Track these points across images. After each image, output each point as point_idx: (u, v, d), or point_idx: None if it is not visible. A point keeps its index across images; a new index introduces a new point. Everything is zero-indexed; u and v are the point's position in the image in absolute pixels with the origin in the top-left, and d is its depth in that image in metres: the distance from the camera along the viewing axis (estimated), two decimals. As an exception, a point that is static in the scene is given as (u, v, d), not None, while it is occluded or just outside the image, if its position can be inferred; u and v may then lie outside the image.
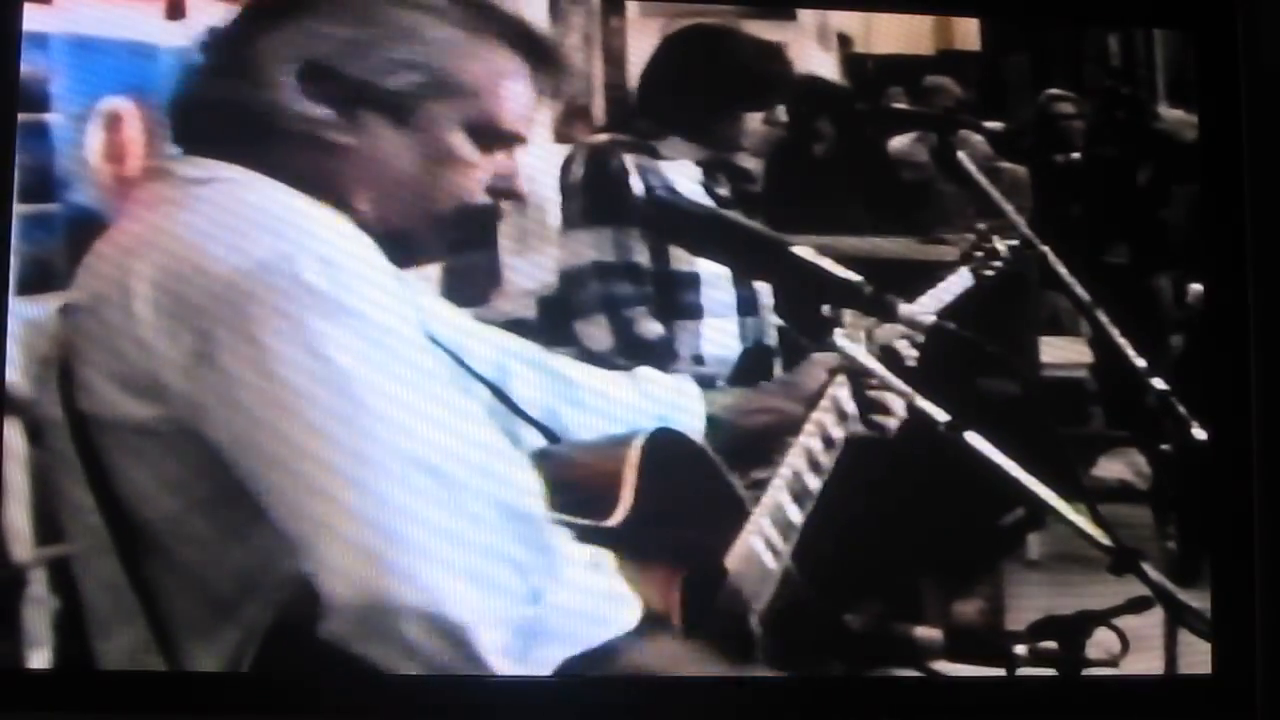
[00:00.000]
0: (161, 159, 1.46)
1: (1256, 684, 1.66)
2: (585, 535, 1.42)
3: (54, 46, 1.55)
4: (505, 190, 1.50)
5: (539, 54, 1.50)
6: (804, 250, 1.50)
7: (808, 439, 1.59)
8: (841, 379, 1.63)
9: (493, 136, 1.47)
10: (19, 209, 1.54)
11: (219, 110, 1.42)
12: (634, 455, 1.48)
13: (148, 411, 1.32)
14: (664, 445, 1.51)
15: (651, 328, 1.73)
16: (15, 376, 1.48)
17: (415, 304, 1.44)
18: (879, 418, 1.64)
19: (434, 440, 1.32)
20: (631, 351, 1.71)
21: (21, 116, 1.54)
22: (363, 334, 1.31)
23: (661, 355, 1.72)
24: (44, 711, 1.51)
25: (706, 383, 1.69)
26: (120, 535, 1.36)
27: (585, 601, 1.38)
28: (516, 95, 1.48)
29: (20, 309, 1.51)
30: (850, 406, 1.63)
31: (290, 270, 1.30)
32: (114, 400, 1.33)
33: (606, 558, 1.42)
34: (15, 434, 1.48)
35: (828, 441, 1.60)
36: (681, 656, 1.48)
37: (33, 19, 1.55)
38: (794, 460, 1.57)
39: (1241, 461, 1.69)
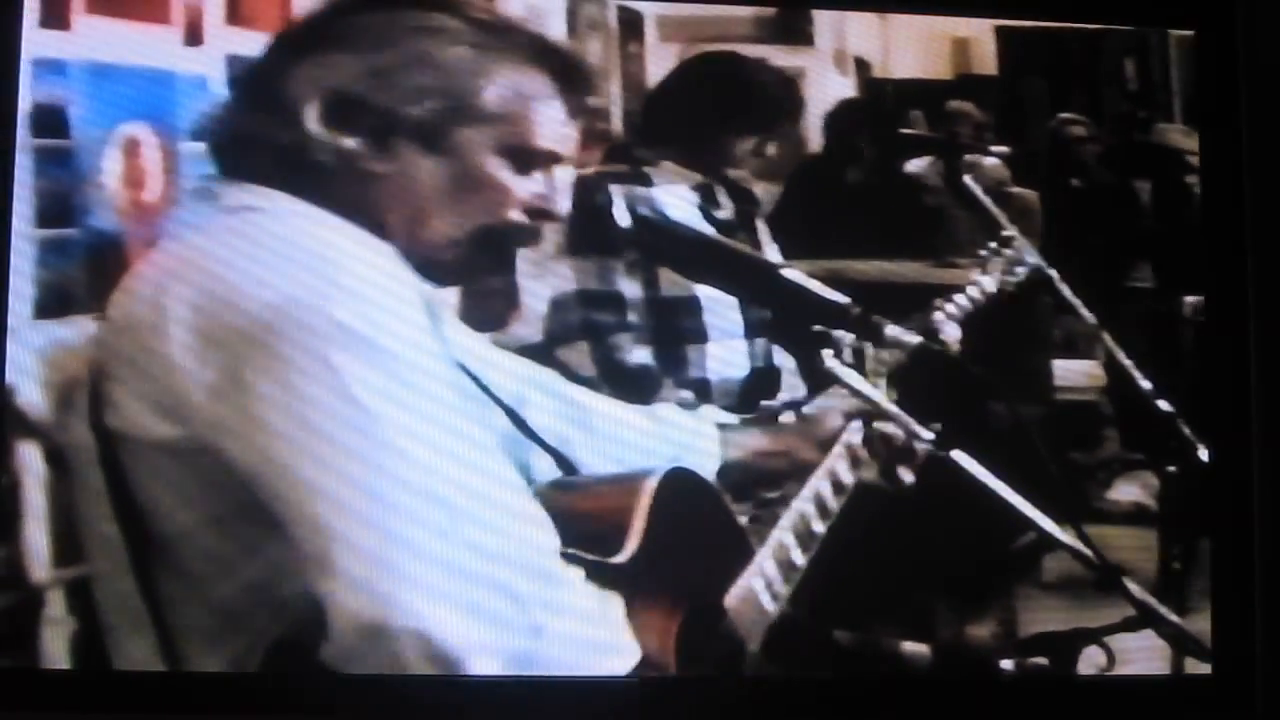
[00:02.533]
0: (205, 182, 1.47)
1: (1256, 684, 1.66)
2: (593, 571, 1.42)
3: (72, 72, 1.56)
4: (542, 211, 1.50)
5: (566, 72, 1.50)
6: (793, 273, 1.51)
7: (819, 482, 1.60)
8: (857, 424, 1.64)
9: (529, 158, 1.48)
10: (40, 234, 1.55)
11: (254, 144, 1.43)
12: (646, 493, 1.48)
13: (171, 431, 1.33)
14: (677, 485, 1.51)
15: (634, 355, 1.73)
16: (35, 399, 1.49)
17: (443, 334, 1.46)
18: (900, 469, 1.64)
19: (448, 475, 1.34)
20: (614, 379, 1.70)
21: (40, 142, 1.55)
22: (389, 371, 1.32)
23: (645, 383, 1.72)
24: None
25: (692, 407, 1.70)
26: (135, 548, 1.37)
27: (583, 634, 1.40)
28: (548, 115, 1.49)
29: (41, 331, 1.52)
30: (864, 453, 1.63)
31: (321, 307, 1.31)
32: (140, 418, 1.35)
33: (609, 599, 1.43)
34: (35, 456, 1.49)
35: (838, 486, 1.61)
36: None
37: (51, 45, 1.56)
38: (802, 503, 1.57)
39: (1242, 461, 1.70)
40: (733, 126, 1.79)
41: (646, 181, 1.75)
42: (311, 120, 1.41)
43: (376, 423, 1.30)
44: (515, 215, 1.48)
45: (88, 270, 1.54)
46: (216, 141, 1.47)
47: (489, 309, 1.64)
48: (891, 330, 1.52)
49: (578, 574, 1.41)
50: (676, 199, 1.77)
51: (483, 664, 1.32)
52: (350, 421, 1.30)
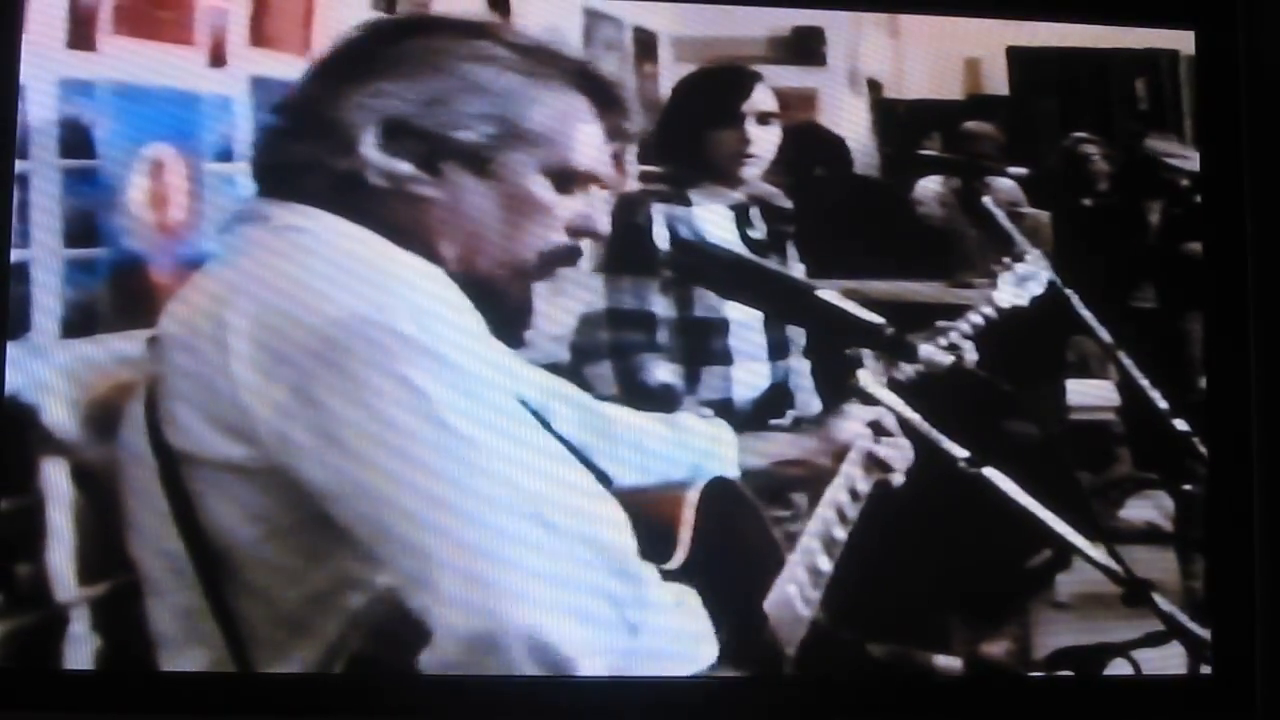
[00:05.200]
0: (253, 204, 1.49)
1: (1256, 684, 1.67)
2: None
3: (98, 93, 1.58)
4: (585, 230, 1.54)
5: (604, 95, 1.54)
6: (829, 294, 1.53)
7: (836, 491, 1.63)
8: (869, 433, 1.66)
9: (571, 179, 1.51)
10: (67, 253, 1.56)
11: (303, 167, 1.45)
12: (690, 501, 1.53)
13: (238, 451, 1.36)
14: (718, 493, 1.56)
15: (658, 374, 1.75)
16: (62, 418, 1.50)
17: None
18: (888, 475, 1.67)
19: (528, 485, 1.38)
20: (638, 397, 1.72)
21: (67, 162, 1.57)
22: (460, 385, 1.36)
23: (669, 401, 1.73)
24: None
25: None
26: (200, 561, 1.40)
27: (674, 626, 1.45)
28: (589, 137, 1.52)
29: (68, 350, 1.53)
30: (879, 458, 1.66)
31: (386, 322, 1.34)
32: (204, 437, 1.37)
33: (686, 591, 1.47)
34: (61, 474, 1.50)
35: (854, 494, 1.64)
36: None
37: (78, 66, 1.57)
38: (824, 511, 1.61)
39: (1241, 459, 1.71)
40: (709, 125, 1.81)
41: (686, 201, 1.77)
42: (369, 146, 1.44)
43: (457, 438, 1.34)
44: (558, 235, 1.51)
45: (114, 290, 1.56)
46: (263, 164, 1.50)
47: (503, 328, 1.65)
48: (925, 349, 1.54)
49: (654, 571, 1.45)
50: (714, 219, 1.78)
51: (590, 665, 1.38)
52: (430, 439, 1.33)
